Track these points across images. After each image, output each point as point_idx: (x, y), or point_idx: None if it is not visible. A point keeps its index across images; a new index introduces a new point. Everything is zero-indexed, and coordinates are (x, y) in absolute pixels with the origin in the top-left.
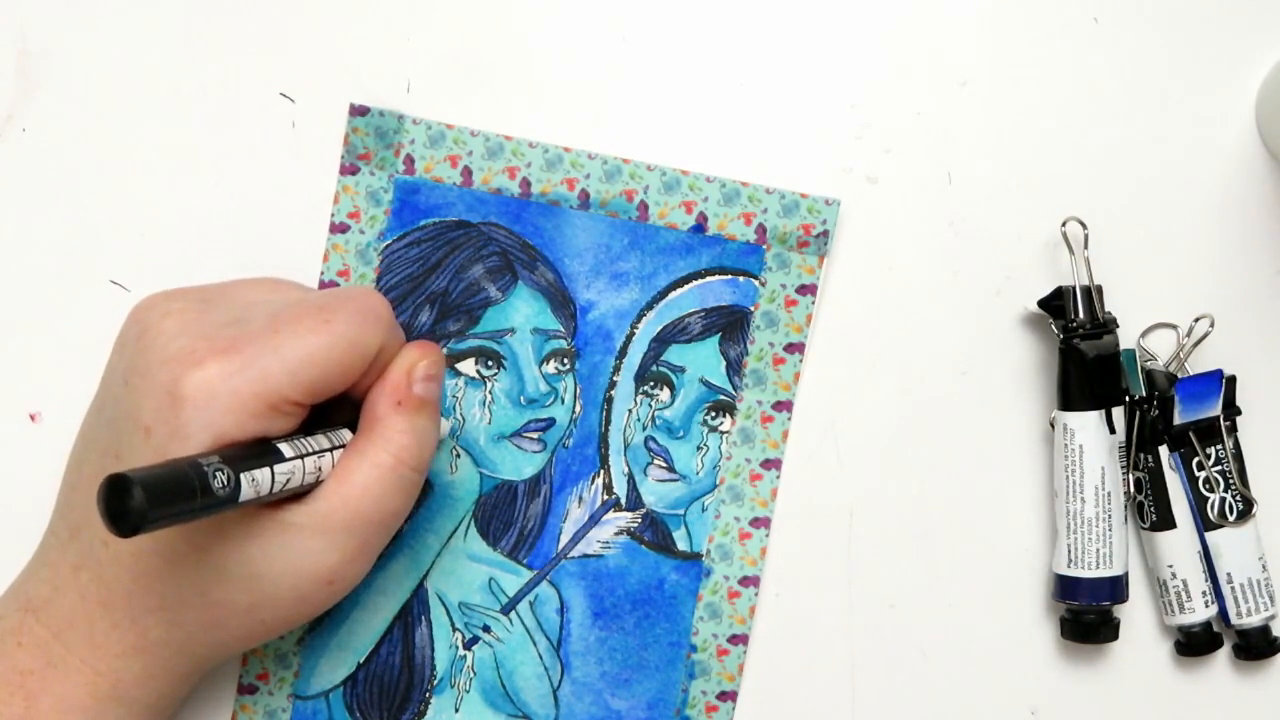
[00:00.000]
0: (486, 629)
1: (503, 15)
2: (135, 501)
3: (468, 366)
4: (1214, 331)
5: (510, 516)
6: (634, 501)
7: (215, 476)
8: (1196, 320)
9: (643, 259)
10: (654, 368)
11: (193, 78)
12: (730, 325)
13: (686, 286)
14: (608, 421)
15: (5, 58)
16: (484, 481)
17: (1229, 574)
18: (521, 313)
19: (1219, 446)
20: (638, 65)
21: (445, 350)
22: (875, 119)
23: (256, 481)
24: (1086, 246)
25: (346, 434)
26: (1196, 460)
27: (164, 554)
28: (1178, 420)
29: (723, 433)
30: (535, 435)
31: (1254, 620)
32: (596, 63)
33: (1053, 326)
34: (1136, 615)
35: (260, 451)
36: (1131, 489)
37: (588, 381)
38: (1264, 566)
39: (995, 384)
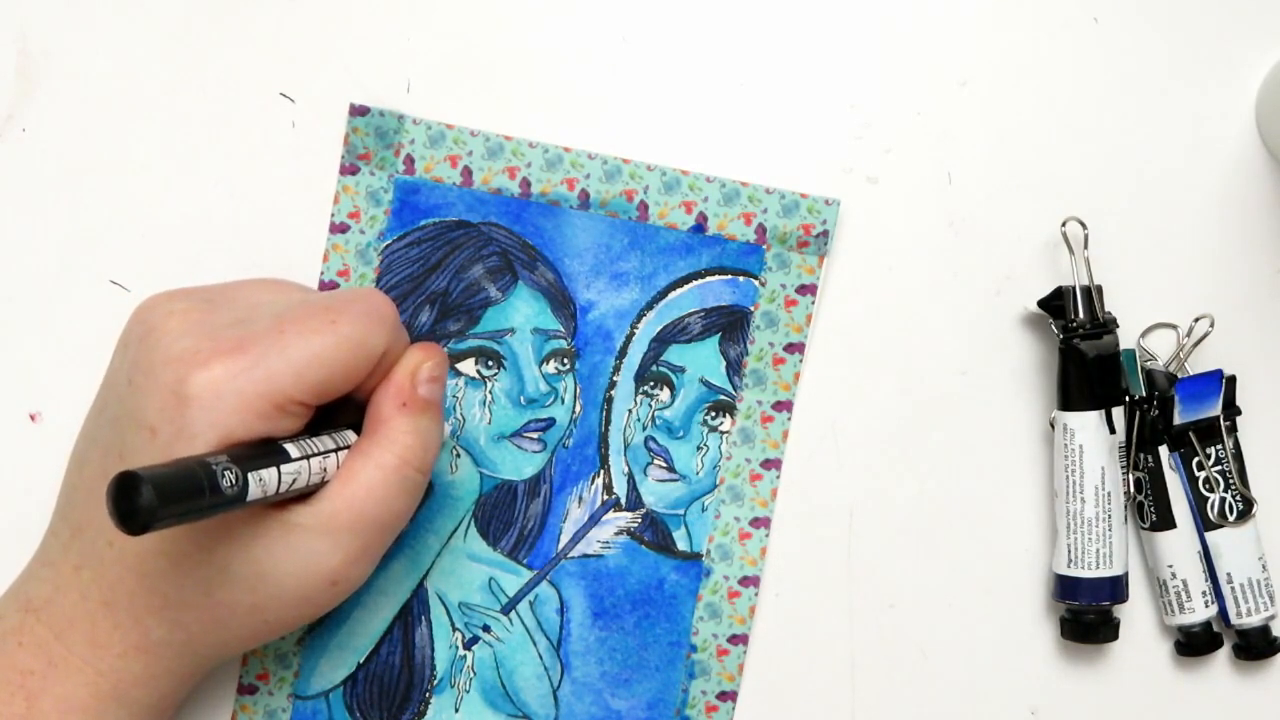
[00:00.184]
0: (486, 629)
1: (503, 15)
2: (145, 500)
3: (468, 366)
4: (1214, 331)
5: (510, 516)
6: (634, 501)
7: (224, 476)
8: (1196, 320)
9: (643, 259)
10: (654, 368)
11: (193, 78)
12: (730, 325)
13: (686, 286)
14: (608, 421)
15: (5, 58)
16: (484, 481)
17: (1229, 574)
18: (521, 313)
19: (1219, 446)
20: (638, 65)
21: (445, 350)
22: (875, 119)
23: (264, 481)
24: (1086, 246)
25: (351, 435)
26: (1196, 460)
27: (168, 554)
28: (1178, 420)
29: (723, 433)
30: (535, 435)
31: (1254, 620)
32: (596, 63)
33: (1053, 326)
34: (1136, 615)
35: (267, 451)
36: (1131, 489)
37: (588, 381)
38: (1264, 566)
39: (995, 384)
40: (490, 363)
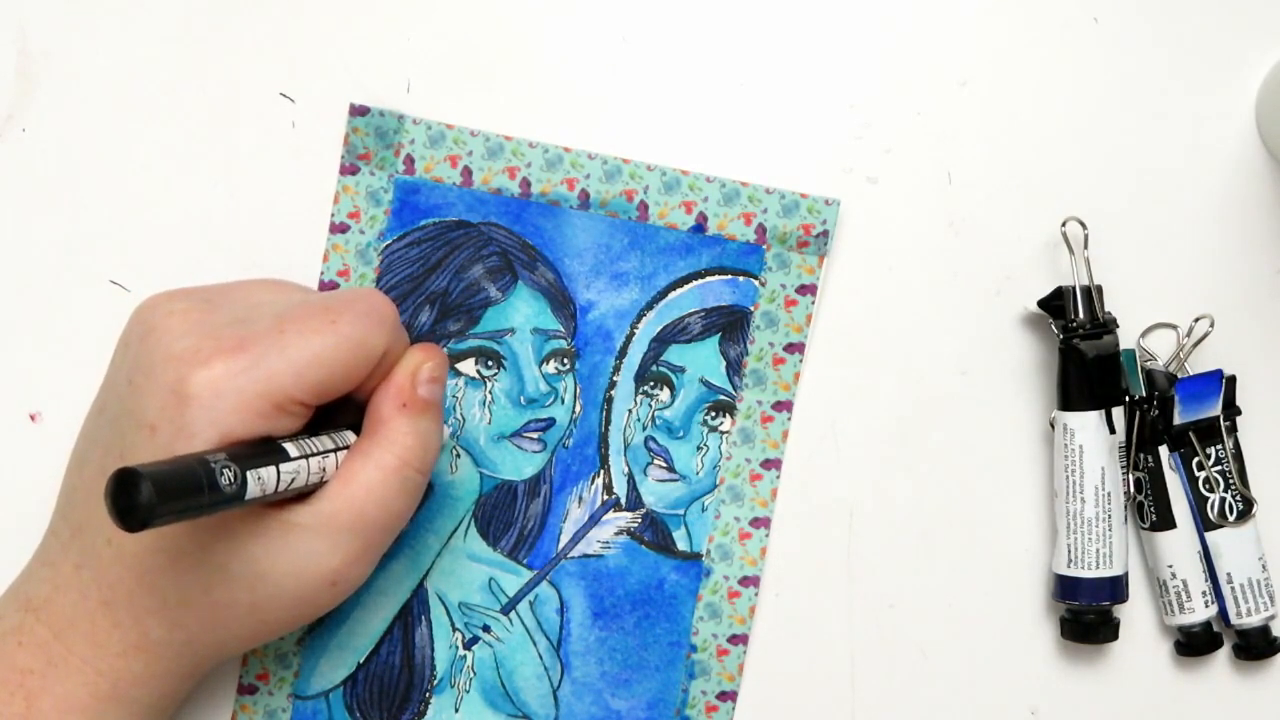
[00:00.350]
0: (486, 629)
1: (503, 15)
2: (143, 496)
3: (468, 366)
4: (1214, 331)
5: (510, 516)
6: (634, 501)
7: (223, 474)
8: (1196, 320)
9: (643, 259)
10: (654, 368)
11: (193, 78)
12: (730, 325)
13: (686, 286)
14: (608, 421)
15: (5, 58)
16: (484, 481)
17: (1229, 574)
18: (521, 313)
19: (1219, 446)
20: (638, 65)
21: (446, 350)
22: (875, 119)
23: (263, 480)
24: (1086, 246)
25: (350, 435)
26: (1196, 460)
27: (168, 552)
28: (1178, 420)
29: (723, 433)
30: (535, 435)
31: (1254, 620)
32: (596, 63)
33: (1053, 326)
34: (1136, 615)
35: (266, 450)
36: (1131, 489)
37: (588, 381)
38: (1264, 566)
39: (995, 384)
40: (490, 363)
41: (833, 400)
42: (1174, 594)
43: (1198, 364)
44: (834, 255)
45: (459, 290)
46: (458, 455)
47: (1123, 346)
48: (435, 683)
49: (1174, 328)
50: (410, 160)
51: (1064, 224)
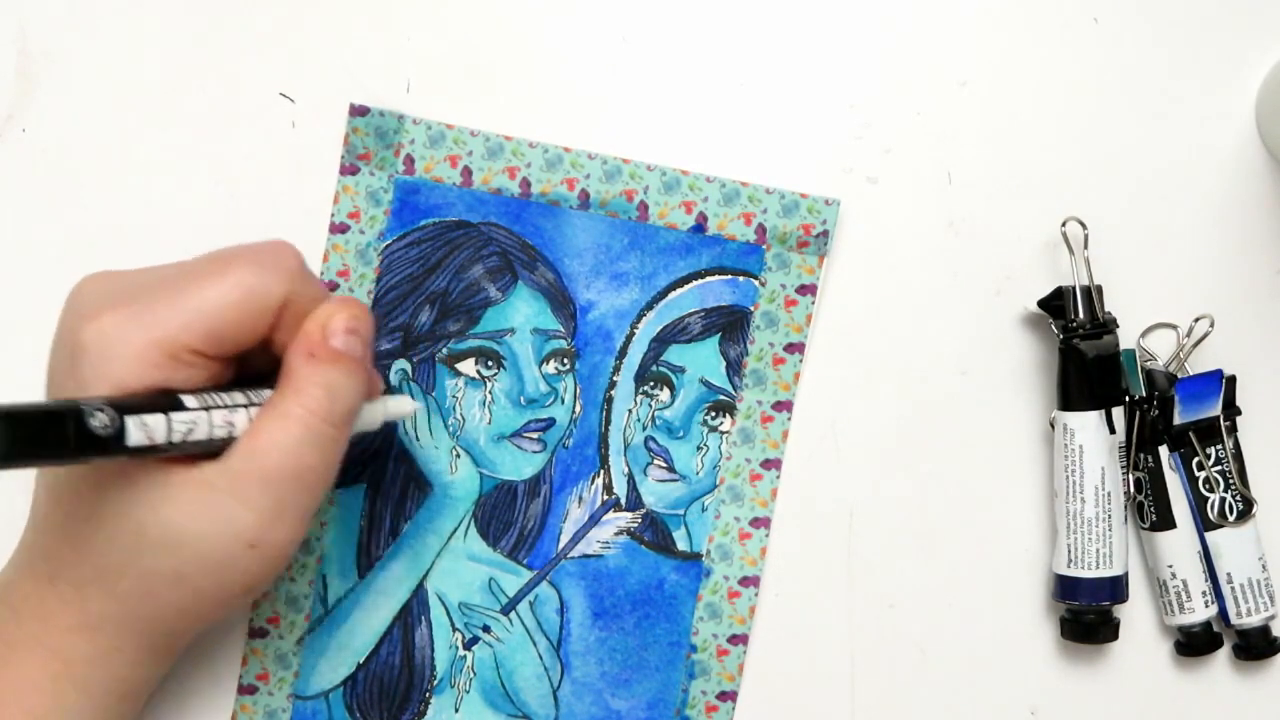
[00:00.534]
0: (486, 629)
1: (503, 15)
2: (2, 434)
3: (468, 366)
4: (1214, 331)
5: (510, 517)
6: (634, 501)
7: (95, 416)
8: (1196, 320)
9: (643, 259)
10: (654, 368)
11: (193, 78)
12: (730, 325)
13: (686, 286)
14: (608, 421)
15: (5, 58)
16: (484, 482)
17: (1229, 574)
18: (521, 313)
19: (1219, 446)
20: (638, 65)
21: (446, 351)
22: (875, 119)
23: (148, 427)
24: (1086, 246)
25: (268, 393)
26: (1196, 460)
27: (90, 520)
28: (1178, 420)
29: (723, 433)
30: (535, 435)
31: (1254, 620)
32: (596, 63)
33: (1053, 326)
34: (1136, 615)
35: (158, 399)
36: (1131, 489)
37: (588, 381)
38: (1264, 566)
39: (995, 384)
40: (490, 363)
41: (833, 400)
42: (1174, 594)
43: (1198, 364)
44: (834, 255)
45: (459, 290)
46: (458, 455)
47: (1123, 346)
48: (435, 683)
49: (1174, 328)
50: (410, 160)
51: (1064, 224)
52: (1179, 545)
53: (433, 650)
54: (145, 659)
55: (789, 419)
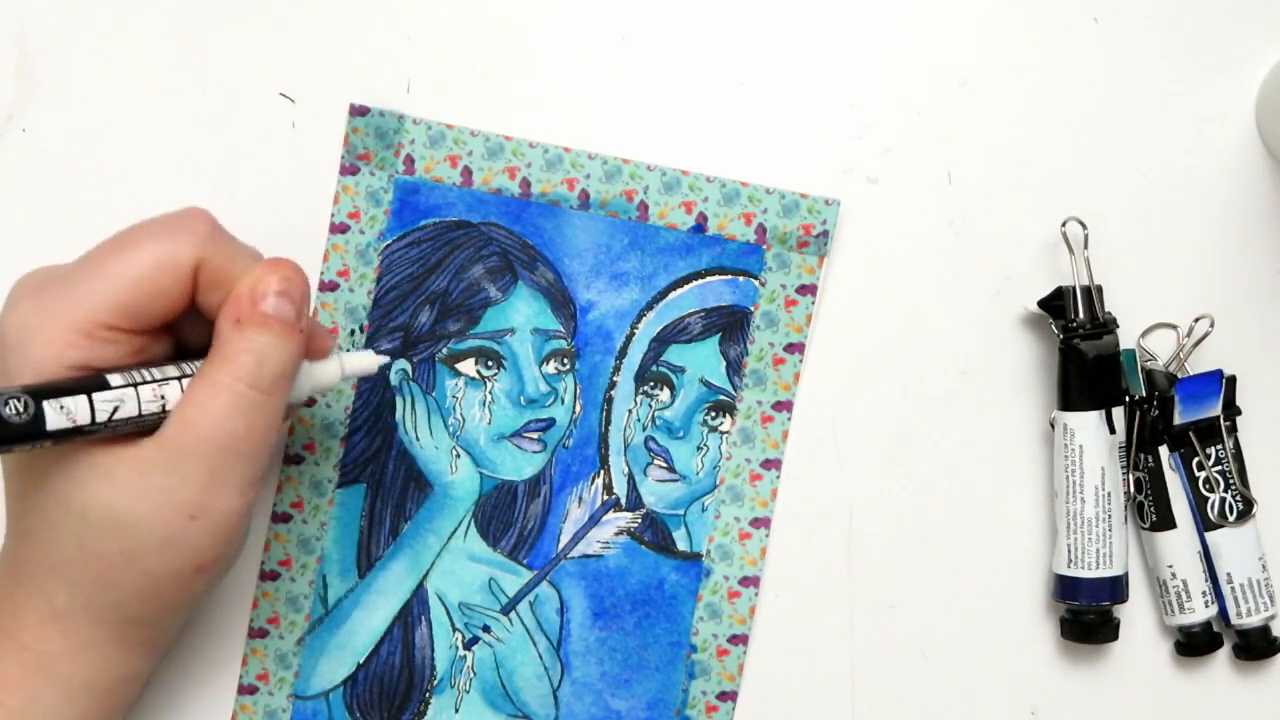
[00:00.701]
0: (486, 629)
1: (503, 15)
2: None
3: (468, 366)
4: (1214, 331)
5: (510, 517)
6: (634, 501)
7: (8, 404)
8: (1196, 320)
9: (643, 259)
10: (654, 368)
11: (193, 78)
12: (730, 325)
13: (686, 287)
14: (608, 422)
15: (5, 58)
16: (484, 482)
17: (1229, 574)
18: (521, 313)
19: (1219, 446)
20: (638, 65)
21: (446, 351)
22: (875, 119)
23: (68, 409)
24: (1086, 246)
25: (201, 363)
26: (1196, 460)
27: (36, 511)
28: (1178, 420)
29: (723, 433)
30: (535, 435)
31: (1254, 620)
32: (596, 63)
33: (1053, 326)
34: (1136, 615)
35: (80, 381)
36: (1131, 489)
37: (588, 382)
38: (1264, 566)
39: (995, 384)
40: (490, 363)
41: (833, 400)
42: (1174, 594)
43: (1198, 364)
44: (834, 255)
45: (459, 290)
46: (458, 455)
47: (1123, 346)
48: (435, 683)
49: (1174, 328)
50: (410, 160)
51: (1064, 224)
52: (1179, 545)
53: (433, 650)
54: (120, 651)
55: (789, 419)
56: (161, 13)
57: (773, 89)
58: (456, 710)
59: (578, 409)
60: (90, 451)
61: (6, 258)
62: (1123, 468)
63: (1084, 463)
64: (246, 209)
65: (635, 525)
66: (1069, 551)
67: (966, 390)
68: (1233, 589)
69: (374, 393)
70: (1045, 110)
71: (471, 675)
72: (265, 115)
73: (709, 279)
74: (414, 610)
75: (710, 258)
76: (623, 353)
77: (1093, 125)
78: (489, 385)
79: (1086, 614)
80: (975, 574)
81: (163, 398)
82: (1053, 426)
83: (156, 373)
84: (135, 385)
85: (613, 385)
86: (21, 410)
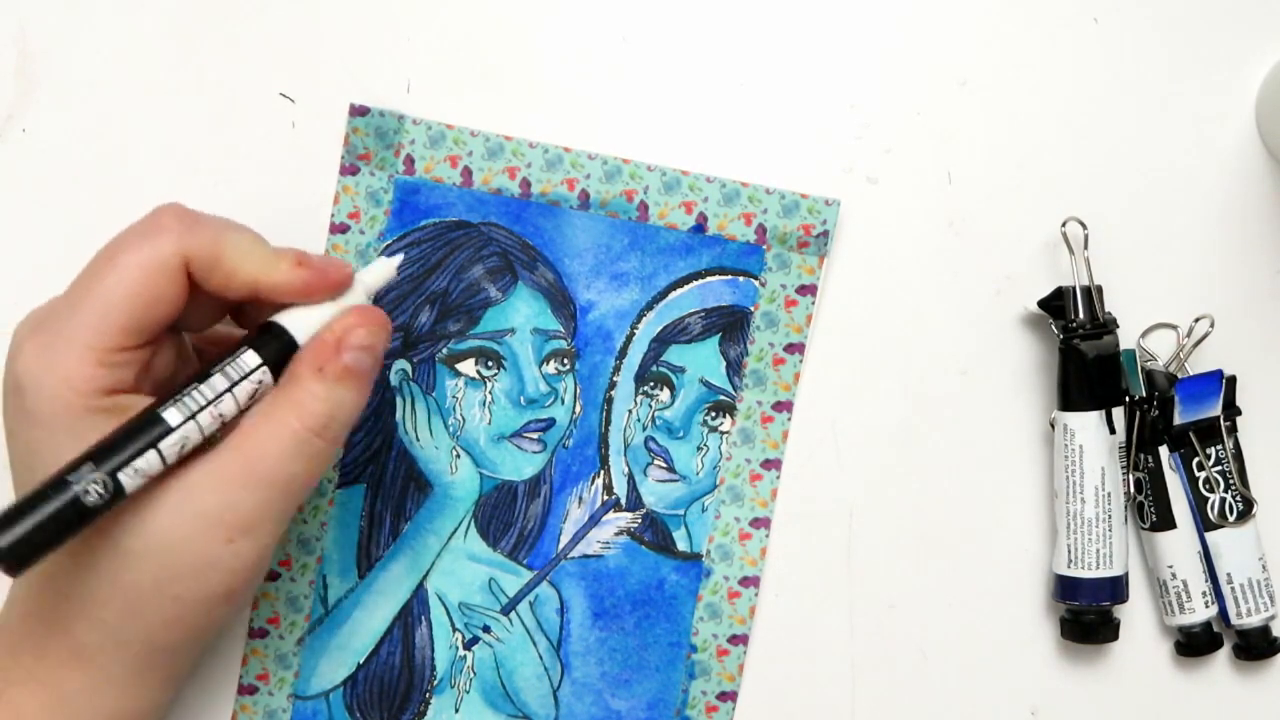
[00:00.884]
0: (486, 629)
1: (503, 15)
2: (10, 552)
3: (468, 367)
4: (1214, 331)
5: (510, 517)
6: (634, 502)
7: (90, 492)
8: (1196, 320)
9: (643, 259)
10: (654, 368)
11: (193, 78)
12: (730, 325)
13: (686, 287)
14: (608, 422)
15: (5, 58)
16: (484, 482)
17: (1229, 574)
18: (521, 313)
19: (1219, 447)
20: (638, 65)
21: (446, 351)
22: (875, 119)
23: (141, 470)
24: (1086, 247)
25: (250, 359)
26: (1196, 460)
27: (69, 550)
28: (1178, 420)
29: (723, 433)
30: (535, 435)
31: (1254, 620)
32: (596, 63)
33: (1053, 327)
34: (1136, 615)
35: (140, 431)
36: (1131, 489)
37: (588, 382)
38: (1264, 567)
39: (995, 384)
40: (490, 363)
41: (833, 400)
42: (1174, 594)
43: (1198, 364)
44: (834, 255)
45: (459, 290)
46: (458, 456)
47: (1123, 347)
48: (435, 683)
49: (1174, 328)
50: (410, 160)
51: (1064, 224)
52: (1179, 545)
53: (433, 650)
54: (140, 686)
55: (789, 419)
56: (161, 13)
57: (773, 89)
58: (456, 710)
59: (578, 409)
60: None
61: (7, 258)
62: (1123, 468)
63: (1084, 463)
64: (246, 209)
65: (635, 525)
66: (1069, 552)
67: (966, 390)
68: (1233, 589)
69: (374, 393)
70: (1045, 110)
71: (471, 675)
72: (265, 115)
73: (709, 279)
74: (414, 610)
75: (710, 258)
76: (623, 353)
77: (1093, 125)
78: (489, 385)
79: (1086, 614)
80: (975, 574)
81: (220, 415)
82: (1053, 427)
83: (208, 390)
84: (193, 415)
85: (613, 385)
86: (104, 493)
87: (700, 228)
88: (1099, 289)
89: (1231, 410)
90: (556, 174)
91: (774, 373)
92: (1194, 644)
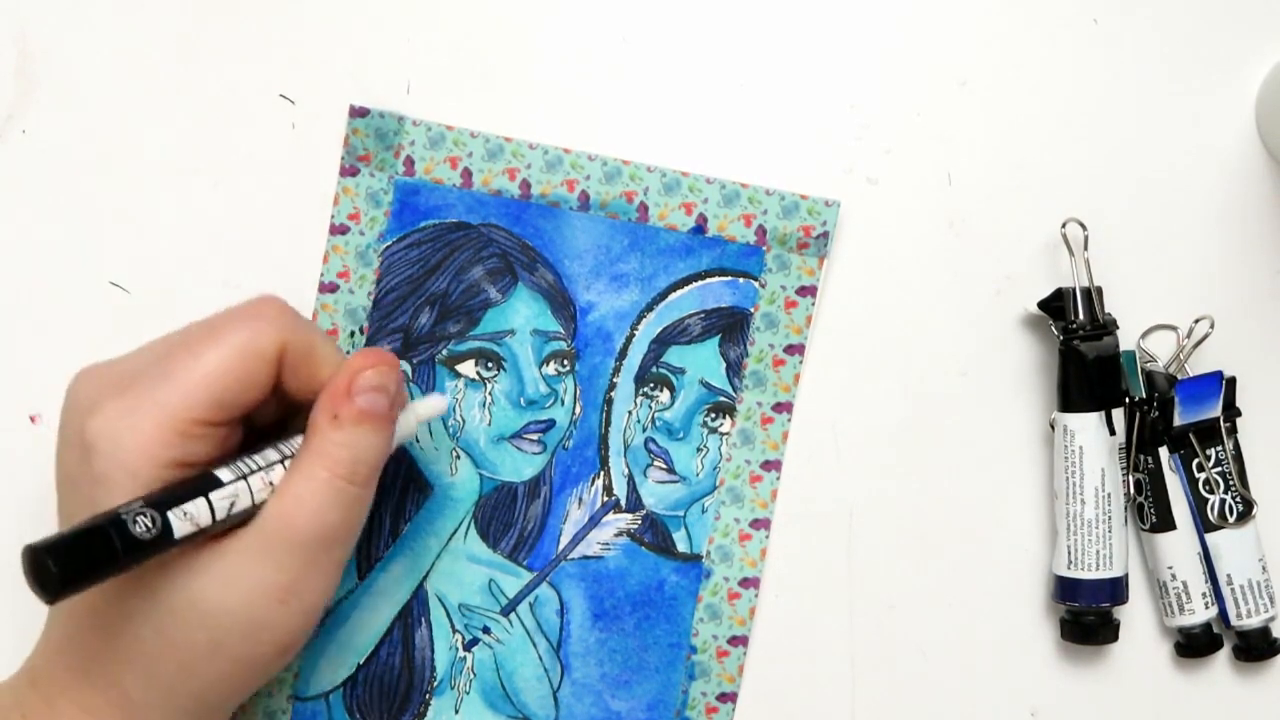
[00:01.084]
0: (486, 630)
1: (503, 15)
2: (52, 569)
3: (468, 368)
4: (1214, 332)
5: (510, 518)
6: (634, 503)
7: (136, 523)
8: (1196, 321)
9: (643, 260)
10: (654, 369)
11: (193, 79)
12: (730, 327)
13: (686, 288)
14: (607, 423)
15: (5, 58)
16: (484, 483)
17: (1229, 575)
18: (521, 314)
19: (1219, 448)
20: (638, 65)
21: (446, 352)
22: (875, 119)
23: (191, 515)
24: (1086, 248)
25: (299, 441)
26: (1196, 462)
27: (119, 606)
28: (1178, 421)
29: (723, 434)
30: (535, 437)
31: (1254, 621)
32: (596, 63)
33: (1053, 328)
34: (1136, 616)
35: (194, 483)
36: (1131, 490)
37: (587, 383)
38: (1264, 568)
39: (995, 385)
40: (490, 364)
41: (833, 401)
42: (1174, 595)
43: (1198, 365)
44: (834, 256)
45: (459, 292)
46: (458, 457)
47: (1123, 348)
48: (435, 684)
49: (1174, 329)
50: (410, 162)
51: (1064, 225)
52: (1179, 546)
53: (433, 651)
54: None
55: (789, 420)
56: (161, 13)
57: (773, 89)
58: (456, 711)
59: (578, 410)
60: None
61: (7, 258)
62: (1123, 469)
63: (1084, 464)
64: (246, 209)
65: (635, 526)
66: (1069, 553)
67: (966, 391)
68: (1233, 590)
69: None
70: (1045, 110)
71: (471, 676)
72: (265, 116)
73: (709, 280)
74: (414, 611)
75: (710, 259)
76: (623, 354)
77: (1093, 125)
78: (489, 386)
79: (1086, 615)
80: (975, 574)
81: (271, 484)
82: (1053, 428)
83: (260, 459)
84: (245, 477)
85: (613, 386)
86: (151, 526)
87: (700, 229)
88: (1099, 290)
89: (1231, 411)
90: (556, 175)
91: (774, 374)
92: (1194, 645)
